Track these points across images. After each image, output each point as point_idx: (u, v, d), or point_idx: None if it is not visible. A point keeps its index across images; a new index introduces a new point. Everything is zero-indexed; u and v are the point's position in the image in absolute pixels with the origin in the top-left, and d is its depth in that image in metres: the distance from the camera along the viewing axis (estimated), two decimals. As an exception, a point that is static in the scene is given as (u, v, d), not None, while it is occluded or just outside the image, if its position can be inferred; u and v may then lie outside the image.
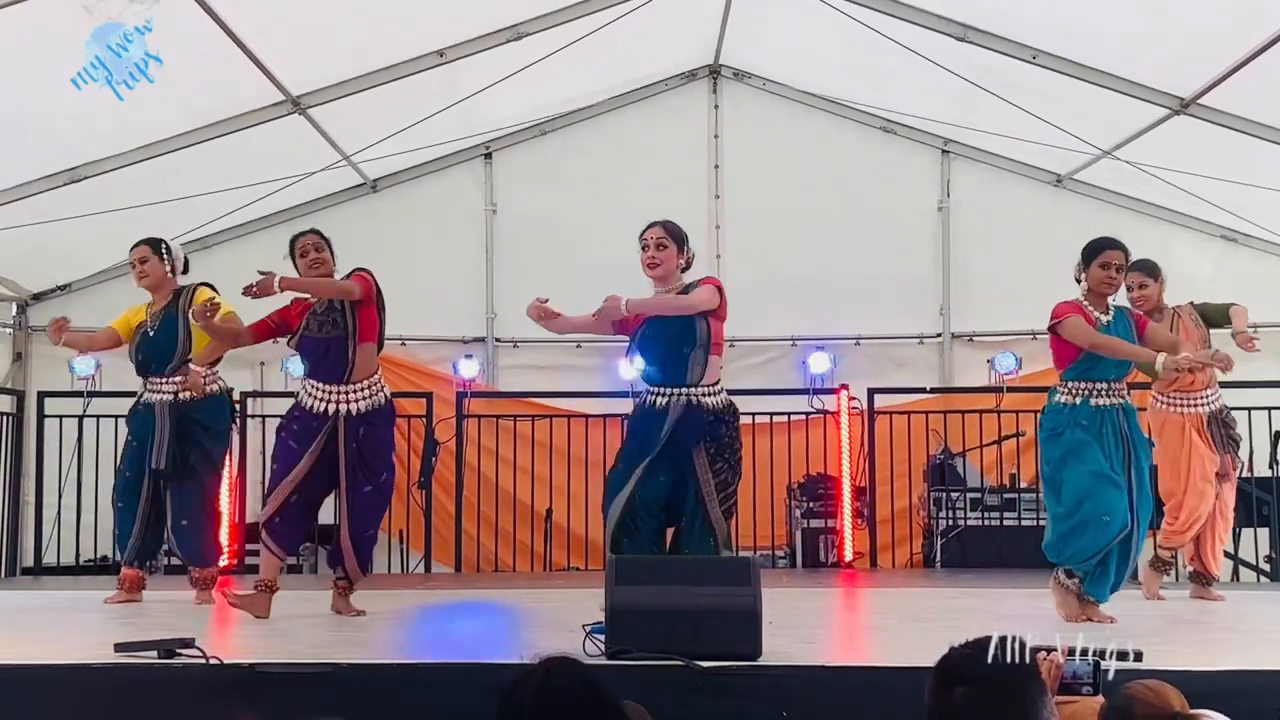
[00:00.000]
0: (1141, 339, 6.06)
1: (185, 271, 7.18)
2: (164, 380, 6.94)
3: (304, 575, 9.61)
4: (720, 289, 5.86)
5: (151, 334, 6.98)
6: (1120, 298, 6.24)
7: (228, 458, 7.36)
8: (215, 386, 7.03)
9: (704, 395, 5.76)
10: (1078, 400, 6.00)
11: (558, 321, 5.92)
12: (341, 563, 6.32)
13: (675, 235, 5.91)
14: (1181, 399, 7.15)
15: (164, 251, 7.08)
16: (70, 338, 7.30)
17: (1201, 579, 7.24)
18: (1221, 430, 7.17)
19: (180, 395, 6.89)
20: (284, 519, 6.23)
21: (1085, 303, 6.03)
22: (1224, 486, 7.22)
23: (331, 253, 6.36)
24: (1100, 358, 5.91)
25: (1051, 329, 6.05)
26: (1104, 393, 5.98)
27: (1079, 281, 6.12)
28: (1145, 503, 5.98)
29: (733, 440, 5.80)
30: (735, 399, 5.95)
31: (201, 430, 6.94)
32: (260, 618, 6.10)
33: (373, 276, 6.26)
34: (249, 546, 8.92)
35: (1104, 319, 6.00)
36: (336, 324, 6.20)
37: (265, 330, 6.42)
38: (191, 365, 6.80)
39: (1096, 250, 6.07)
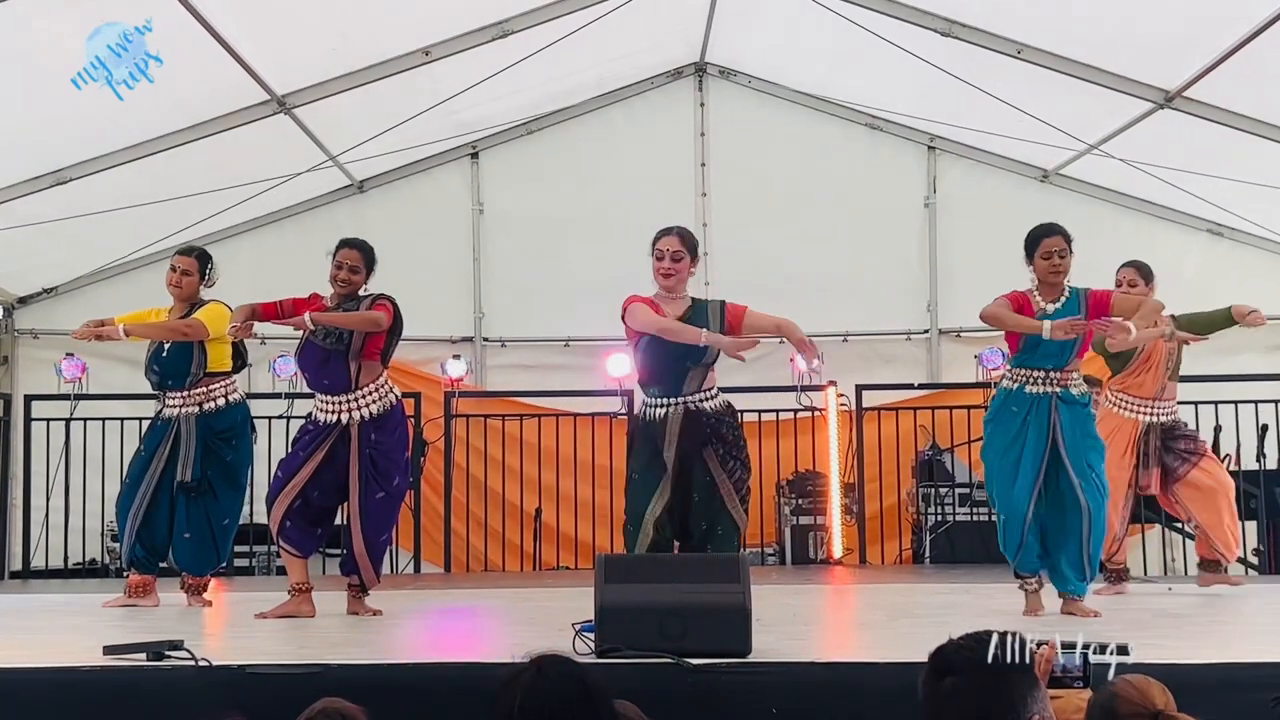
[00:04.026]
0: (1109, 310, 5.87)
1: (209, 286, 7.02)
2: (185, 394, 6.82)
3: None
4: (743, 316, 5.75)
5: (165, 354, 6.84)
6: (1088, 280, 6.16)
7: (250, 471, 7.18)
8: (236, 395, 6.96)
9: (701, 400, 5.73)
10: (1015, 386, 6.00)
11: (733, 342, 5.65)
12: (357, 570, 6.31)
13: (690, 245, 5.81)
14: (1125, 401, 7.17)
15: (208, 270, 6.93)
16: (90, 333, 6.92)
17: (1210, 566, 7.25)
18: (1159, 444, 7.13)
19: (205, 406, 6.82)
20: (294, 522, 6.23)
21: (1035, 294, 5.98)
22: (1216, 471, 7.22)
23: (369, 270, 6.29)
24: (1039, 344, 5.81)
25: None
26: (1041, 380, 5.94)
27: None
28: (1091, 493, 5.85)
29: (737, 439, 5.80)
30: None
31: (224, 443, 6.87)
32: (309, 617, 6.13)
33: (395, 305, 6.23)
34: (238, 549, 8.88)
35: (1050, 308, 5.89)
36: (340, 338, 6.18)
37: (272, 313, 6.32)
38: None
39: (1035, 241, 5.98)
